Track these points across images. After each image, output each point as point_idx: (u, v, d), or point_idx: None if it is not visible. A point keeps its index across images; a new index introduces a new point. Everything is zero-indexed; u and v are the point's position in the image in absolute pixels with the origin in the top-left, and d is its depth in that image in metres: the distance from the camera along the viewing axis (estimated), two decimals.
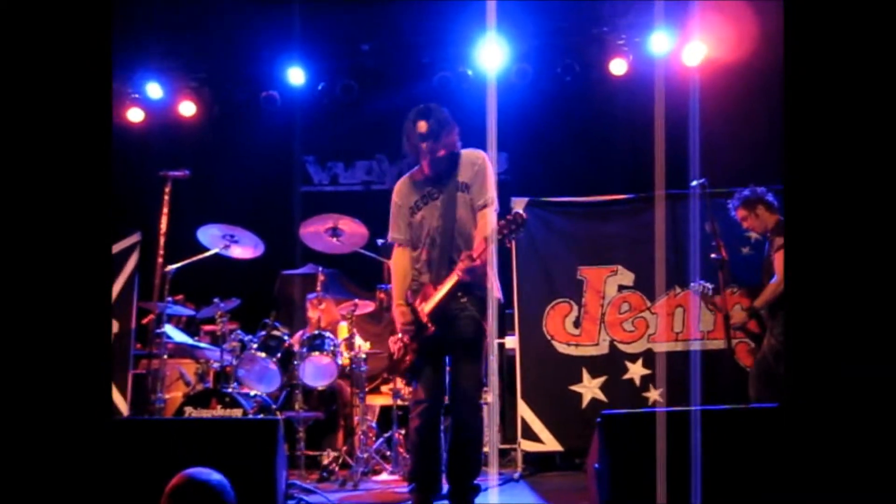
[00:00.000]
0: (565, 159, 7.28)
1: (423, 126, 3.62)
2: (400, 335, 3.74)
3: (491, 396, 5.40)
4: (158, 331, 5.01)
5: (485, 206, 3.65)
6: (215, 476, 2.05)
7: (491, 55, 6.83)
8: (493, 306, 3.65)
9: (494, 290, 3.65)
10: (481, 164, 3.72)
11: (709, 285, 4.91)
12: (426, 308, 3.61)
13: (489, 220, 3.59)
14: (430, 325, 3.59)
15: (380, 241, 4.98)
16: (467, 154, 3.75)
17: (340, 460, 5.18)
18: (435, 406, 3.70)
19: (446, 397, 3.77)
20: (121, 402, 6.06)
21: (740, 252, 5.36)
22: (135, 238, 6.36)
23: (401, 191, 3.87)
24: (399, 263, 3.86)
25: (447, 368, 3.79)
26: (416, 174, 3.83)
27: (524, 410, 5.53)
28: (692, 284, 5.02)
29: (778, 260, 4.54)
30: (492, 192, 3.67)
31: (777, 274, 4.55)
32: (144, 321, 6.44)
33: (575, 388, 5.53)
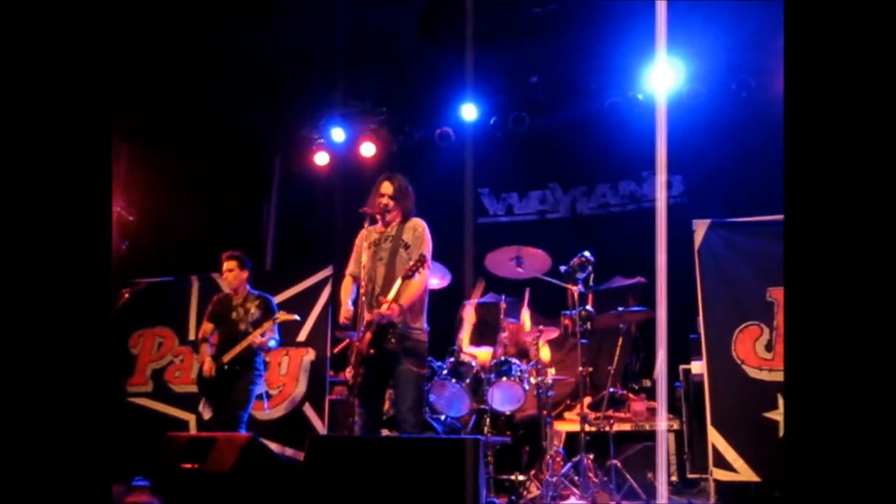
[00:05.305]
0: (744, 178, 7.05)
1: (387, 187, 4.48)
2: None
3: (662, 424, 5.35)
4: None
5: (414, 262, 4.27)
6: None
7: (661, 78, 6.80)
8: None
9: (421, 335, 4.37)
10: (420, 231, 4.44)
11: None
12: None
13: (415, 282, 4.26)
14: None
15: (563, 268, 5.08)
16: (412, 221, 4.51)
17: (529, 484, 5.25)
18: (368, 418, 4.32)
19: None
20: (319, 426, 6.49)
21: None
22: (328, 271, 6.83)
23: (362, 235, 4.58)
24: (347, 292, 4.55)
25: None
26: (374, 228, 4.55)
27: (715, 438, 5.35)
28: None
29: None
30: (424, 253, 4.33)
31: None
32: (336, 350, 6.87)
33: (770, 415, 5.28)
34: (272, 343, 5.57)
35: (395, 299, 4.20)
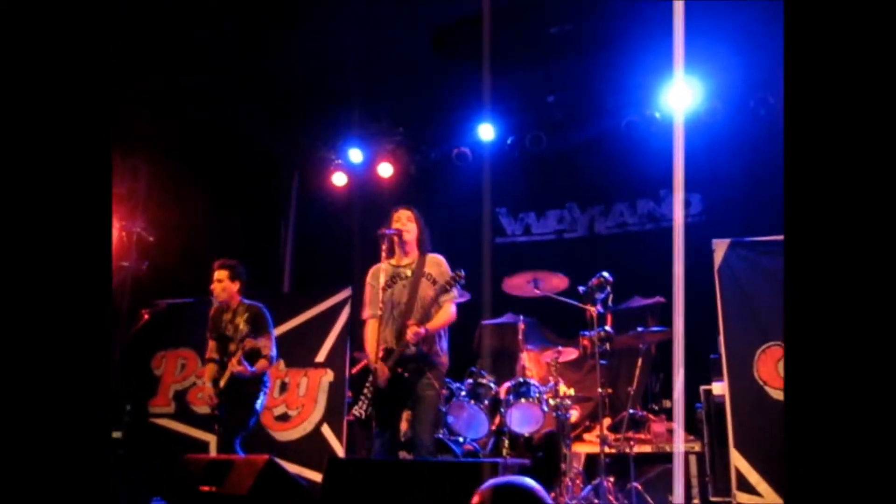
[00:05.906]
0: (764, 196, 6.97)
1: (407, 213, 4.54)
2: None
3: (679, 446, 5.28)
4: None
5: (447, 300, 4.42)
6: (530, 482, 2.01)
7: (679, 96, 6.78)
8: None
9: (443, 358, 4.44)
10: (445, 267, 4.49)
11: None
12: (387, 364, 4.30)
13: (447, 310, 4.40)
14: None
15: (581, 289, 5.05)
16: (433, 256, 4.55)
17: None
18: (389, 443, 4.35)
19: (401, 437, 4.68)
20: (337, 447, 6.47)
21: None
22: (346, 293, 6.83)
23: (374, 274, 4.56)
24: (373, 334, 4.42)
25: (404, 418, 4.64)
26: (386, 263, 4.49)
27: (738, 460, 5.27)
28: None
29: None
30: (453, 291, 4.45)
31: None
32: (354, 371, 6.86)
33: None
34: (256, 367, 5.05)
35: (423, 322, 4.24)
